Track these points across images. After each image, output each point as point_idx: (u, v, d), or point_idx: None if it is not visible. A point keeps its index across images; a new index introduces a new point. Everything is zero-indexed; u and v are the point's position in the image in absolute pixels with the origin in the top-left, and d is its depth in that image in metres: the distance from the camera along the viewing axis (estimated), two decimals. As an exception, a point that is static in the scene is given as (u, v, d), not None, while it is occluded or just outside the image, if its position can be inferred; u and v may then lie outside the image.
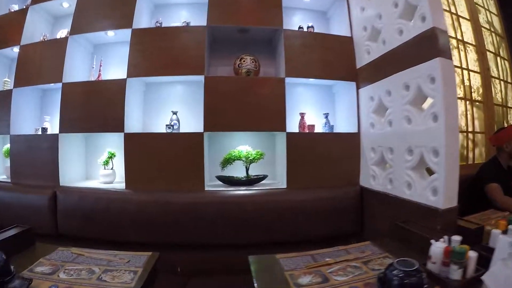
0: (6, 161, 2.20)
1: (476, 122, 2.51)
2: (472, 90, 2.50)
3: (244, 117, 1.92)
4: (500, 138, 2.06)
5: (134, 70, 1.94)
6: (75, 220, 1.81)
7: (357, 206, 1.90)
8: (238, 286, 1.54)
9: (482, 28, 2.65)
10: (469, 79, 2.47)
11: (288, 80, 1.96)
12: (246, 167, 2.03)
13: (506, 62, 2.90)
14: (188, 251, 1.77)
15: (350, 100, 2.07)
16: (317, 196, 1.85)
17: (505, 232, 1.08)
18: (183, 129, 2.08)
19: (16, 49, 2.19)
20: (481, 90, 2.56)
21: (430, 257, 1.01)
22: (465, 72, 2.46)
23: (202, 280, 1.65)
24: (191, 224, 1.75)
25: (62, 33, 2.19)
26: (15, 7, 2.37)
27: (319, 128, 2.16)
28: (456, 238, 1.02)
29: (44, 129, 2.11)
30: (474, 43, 2.55)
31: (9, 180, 2.09)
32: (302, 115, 2.14)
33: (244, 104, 1.93)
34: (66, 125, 1.98)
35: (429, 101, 1.52)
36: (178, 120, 2.08)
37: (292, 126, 2.08)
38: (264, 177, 2.06)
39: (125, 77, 1.93)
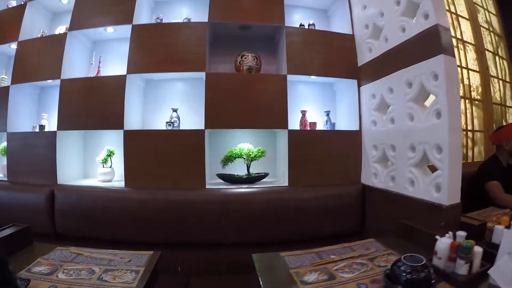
0: (3, 159, 2.15)
1: (475, 121, 2.52)
2: (472, 89, 2.52)
3: (246, 114, 1.91)
4: (500, 136, 2.07)
5: (134, 66, 1.92)
6: (73, 219, 1.78)
7: (359, 204, 1.89)
8: (240, 285, 1.53)
9: (481, 28, 2.67)
10: (468, 78, 2.49)
11: (289, 77, 1.95)
12: (247, 165, 2.02)
13: (504, 61, 2.93)
14: (189, 250, 1.75)
15: (352, 98, 2.07)
16: (319, 194, 1.85)
17: (508, 227, 1.08)
18: (183, 127, 2.06)
19: (13, 46, 2.15)
20: (480, 89, 2.58)
21: (436, 252, 1.00)
22: (465, 71, 2.48)
23: (203, 279, 1.63)
24: (192, 222, 1.73)
25: (60, 29, 2.16)
26: (13, 3, 2.33)
27: (320, 126, 2.15)
28: (461, 233, 1.02)
29: (41, 127, 2.08)
30: (473, 42, 2.57)
31: (6, 179, 2.05)
32: (303, 112, 2.14)
33: (245, 101, 1.92)
34: (65, 122, 1.95)
35: (430, 98, 1.52)
36: (178, 118, 2.06)
37: (293, 123, 2.07)
38: (265, 175, 2.05)
39: (125, 73, 1.90)
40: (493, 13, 2.93)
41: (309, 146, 1.94)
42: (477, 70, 2.56)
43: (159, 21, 2.11)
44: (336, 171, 1.95)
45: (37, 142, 1.99)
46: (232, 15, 2.01)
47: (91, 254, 1.16)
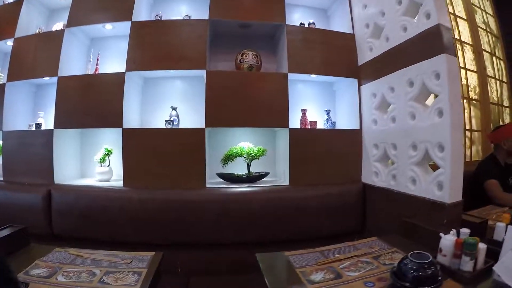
0: (-2, 158, 2.11)
1: (473, 121, 2.55)
2: (469, 89, 2.54)
3: (247, 112, 1.89)
4: (498, 135, 2.09)
5: (134, 64, 1.89)
6: (71, 220, 1.75)
7: (359, 203, 1.89)
8: (241, 285, 1.52)
9: (479, 28, 2.70)
10: (466, 78, 2.52)
11: (289, 76, 1.95)
12: (247, 164, 2.01)
13: (501, 62, 2.97)
14: (189, 250, 1.73)
15: (352, 97, 2.07)
16: (319, 193, 1.84)
17: (510, 224, 1.08)
18: (182, 126, 2.04)
19: (10, 43, 2.11)
20: (477, 89, 2.61)
21: (440, 250, 1.01)
22: (463, 71, 2.50)
23: (203, 280, 1.61)
24: (192, 222, 1.71)
25: (58, 26, 2.13)
26: (10, -1, 2.29)
27: (320, 125, 2.15)
28: (465, 230, 1.02)
29: (38, 125, 2.04)
30: (471, 43, 2.60)
31: (1, 178, 2.01)
32: (304, 111, 2.13)
33: (246, 99, 1.91)
34: (62, 121, 1.91)
35: (431, 97, 1.53)
36: (177, 116, 2.04)
37: (294, 122, 2.06)
38: (266, 174, 2.04)
39: (123, 71, 1.88)
40: (490, 14, 2.97)
41: (310, 145, 1.94)
42: (475, 70, 2.59)
43: (158, 18, 2.08)
44: (337, 170, 1.95)
45: (33, 141, 1.96)
46: (232, 13, 2.00)
47: (91, 256, 1.13)
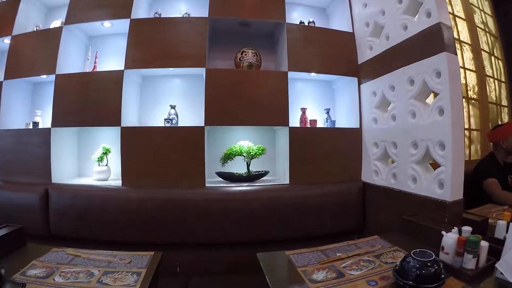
0: (-5, 158, 2.08)
1: (472, 120, 2.56)
2: (468, 88, 2.55)
3: (246, 111, 1.88)
4: (497, 134, 2.10)
5: (132, 61, 1.87)
6: (69, 219, 1.72)
7: (359, 201, 1.89)
8: (241, 285, 1.51)
9: (477, 28, 2.70)
10: (465, 77, 2.52)
11: (289, 74, 1.94)
12: (247, 163, 2.00)
13: (500, 61, 2.98)
14: (189, 250, 1.72)
15: (352, 96, 2.07)
16: (320, 192, 1.84)
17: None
18: (181, 124, 2.03)
19: (7, 41, 2.08)
20: (476, 88, 2.61)
21: (442, 248, 1.00)
22: (461, 70, 2.51)
23: (203, 280, 1.59)
24: (192, 222, 1.69)
25: (56, 23, 2.10)
26: (7, -3, 2.25)
27: (320, 124, 2.15)
28: (467, 228, 1.02)
29: (35, 124, 2.01)
30: (469, 42, 2.60)
31: (-2, 177, 1.98)
32: (304, 110, 2.13)
33: (246, 97, 1.90)
34: (59, 119, 1.89)
35: (432, 96, 1.53)
36: (176, 115, 2.03)
37: (293, 121, 2.05)
38: (265, 173, 2.03)
39: (122, 68, 1.86)
40: (489, 14, 2.98)
41: (310, 143, 1.93)
42: (474, 69, 2.59)
43: (157, 16, 2.07)
44: (337, 169, 1.95)
45: (30, 140, 1.93)
46: (232, 11, 1.99)
47: (89, 256, 1.12)
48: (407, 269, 0.86)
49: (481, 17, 2.86)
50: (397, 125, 1.67)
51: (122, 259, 1.11)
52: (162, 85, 2.18)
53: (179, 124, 2.02)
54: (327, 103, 2.27)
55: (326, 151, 1.94)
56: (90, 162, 2.08)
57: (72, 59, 2.06)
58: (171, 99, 2.12)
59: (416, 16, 1.56)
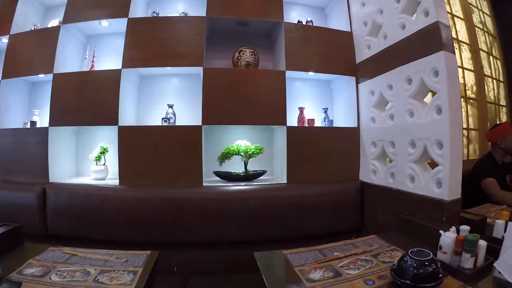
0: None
1: (470, 119, 2.56)
2: (467, 88, 2.55)
3: (244, 110, 1.88)
4: (495, 134, 2.10)
5: (130, 60, 1.87)
6: (66, 219, 1.72)
7: (357, 201, 1.89)
8: (239, 285, 1.50)
9: (476, 28, 2.71)
10: (463, 77, 2.52)
11: (286, 74, 1.93)
12: (244, 162, 1.99)
13: (498, 61, 2.98)
14: (186, 250, 1.71)
15: (350, 95, 2.07)
16: (318, 192, 1.83)
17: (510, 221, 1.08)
18: (179, 123, 2.03)
19: (5, 40, 2.07)
20: (475, 88, 2.61)
21: (440, 247, 1.00)
22: (460, 70, 2.51)
23: (201, 279, 1.59)
24: (189, 221, 1.69)
25: (53, 22, 2.09)
26: (5, -4, 2.25)
27: (318, 123, 2.15)
28: (465, 227, 1.02)
29: (33, 123, 2.00)
30: (468, 42, 2.60)
31: (-5, 177, 1.97)
32: (301, 109, 2.12)
33: (244, 97, 1.90)
34: (57, 118, 1.88)
35: (429, 95, 1.53)
36: (174, 114, 2.02)
37: (291, 120, 2.05)
38: (263, 172, 2.02)
39: (119, 68, 1.85)
40: (487, 14, 2.98)
41: (308, 142, 1.93)
42: (472, 69, 2.60)
43: (155, 15, 2.06)
44: (335, 168, 1.94)
45: (28, 139, 1.92)
46: (230, 10, 1.98)
47: (86, 255, 1.12)
48: (405, 268, 0.86)
49: (480, 17, 2.86)
50: (395, 124, 1.66)
51: (118, 258, 1.10)
52: (159, 84, 2.17)
53: (177, 123, 2.02)
54: (325, 102, 2.27)
55: (324, 151, 1.94)
56: (87, 162, 2.08)
57: (70, 59, 2.05)
58: (168, 98, 2.12)
59: (414, 15, 1.56)
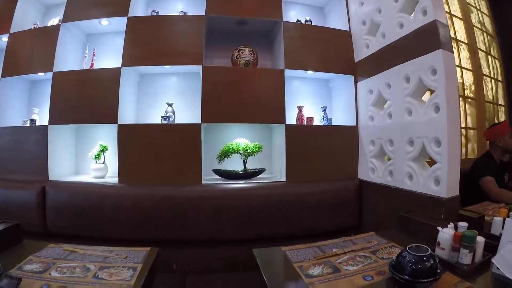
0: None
1: (469, 118, 2.57)
2: (465, 87, 2.56)
3: (243, 108, 1.89)
4: (493, 133, 2.10)
5: (129, 59, 1.88)
6: (66, 217, 1.72)
7: (356, 199, 1.89)
8: (238, 282, 1.51)
9: (474, 27, 2.72)
10: (461, 76, 2.53)
11: (285, 72, 1.94)
12: (244, 160, 2.00)
13: (496, 61, 3.00)
14: (186, 247, 1.72)
15: (348, 94, 2.08)
16: (316, 190, 1.84)
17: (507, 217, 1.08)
18: (178, 122, 2.03)
19: (4, 38, 2.08)
20: (473, 87, 2.63)
21: (438, 243, 1.00)
22: (458, 69, 2.52)
23: (200, 277, 1.59)
24: (189, 219, 1.69)
25: (53, 21, 2.10)
26: (5, -5, 2.25)
27: (317, 122, 2.15)
28: (463, 224, 1.03)
29: (32, 121, 2.01)
30: (466, 42, 2.62)
31: (-5, 175, 1.97)
32: (300, 108, 2.13)
33: (243, 95, 1.90)
34: (56, 116, 1.89)
35: (427, 93, 1.54)
36: (173, 112, 2.03)
37: (290, 119, 2.05)
38: (262, 170, 2.03)
39: (119, 66, 1.86)
40: (485, 14, 3.00)
41: (306, 141, 1.94)
42: (470, 68, 2.61)
43: (155, 14, 2.07)
44: (333, 167, 1.95)
45: (28, 137, 1.92)
46: (229, 9, 1.99)
47: (85, 251, 1.12)
48: (403, 264, 0.86)
49: (478, 17, 2.87)
50: (393, 123, 1.67)
51: (118, 254, 1.11)
52: (159, 82, 2.18)
53: (176, 122, 2.02)
54: (323, 101, 2.28)
55: (322, 149, 1.95)
56: (87, 160, 2.08)
57: (69, 57, 2.06)
58: (168, 96, 2.13)
59: (412, 14, 1.57)
